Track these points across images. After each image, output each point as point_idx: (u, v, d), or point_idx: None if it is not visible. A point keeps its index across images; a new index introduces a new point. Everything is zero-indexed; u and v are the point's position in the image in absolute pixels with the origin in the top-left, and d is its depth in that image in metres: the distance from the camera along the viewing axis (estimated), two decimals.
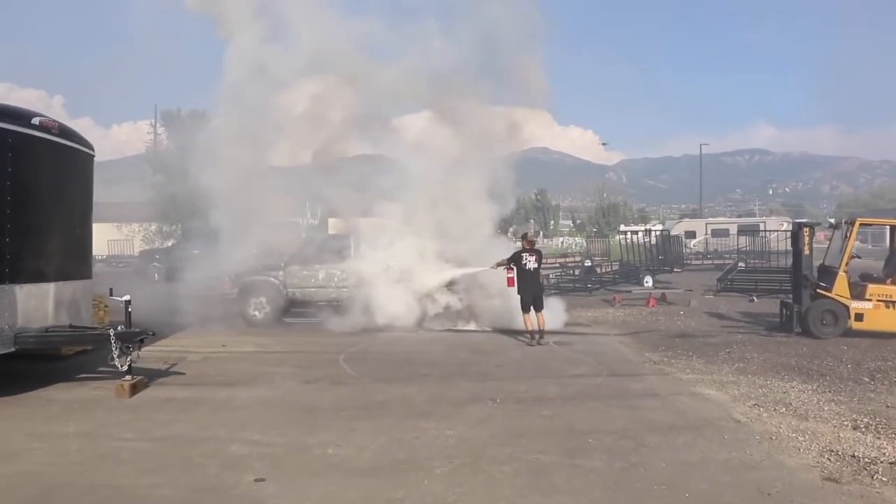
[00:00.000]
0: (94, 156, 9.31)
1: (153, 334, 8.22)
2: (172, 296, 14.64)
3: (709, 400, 7.82)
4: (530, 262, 12.10)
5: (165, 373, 9.04)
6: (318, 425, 6.67)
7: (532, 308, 11.99)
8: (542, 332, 11.95)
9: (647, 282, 24.49)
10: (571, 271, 26.23)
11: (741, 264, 28.53)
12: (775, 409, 7.34)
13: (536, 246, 12.62)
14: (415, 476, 5.28)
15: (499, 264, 12.33)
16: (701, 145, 67.38)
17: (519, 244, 12.81)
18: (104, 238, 50.64)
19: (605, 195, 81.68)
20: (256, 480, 5.20)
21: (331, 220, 22.08)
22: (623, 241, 29.42)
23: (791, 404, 7.57)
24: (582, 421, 6.85)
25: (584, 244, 45.76)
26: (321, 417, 6.96)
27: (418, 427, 6.56)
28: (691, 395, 8.02)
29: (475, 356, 10.69)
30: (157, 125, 47.76)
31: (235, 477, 5.26)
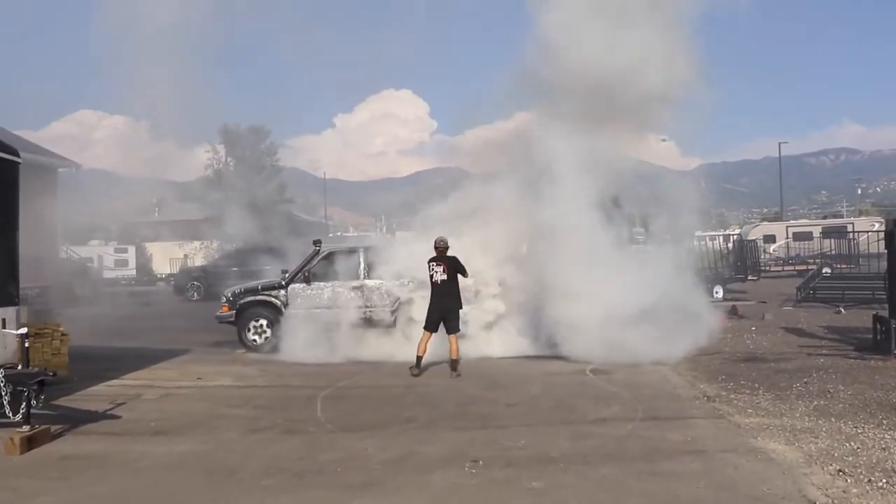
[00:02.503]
0: (18, 163, 7.95)
1: (53, 375, 6.70)
2: (188, 317, 13.37)
3: (773, 461, 5.68)
4: (437, 273, 10.10)
5: (98, 416, 7.54)
6: (220, 501, 4.96)
7: (442, 328, 10.08)
8: (453, 363, 9.95)
9: (717, 292, 21.92)
10: None
11: (826, 270, 25.45)
12: (870, 480, 5.14)
13: (451, 252, 10.31)
14: None
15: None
16: (780, 144, 62.27)
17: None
18: (166, 257, 51.34)
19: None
20: None
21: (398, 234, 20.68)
22: (693, 248, 26.73)
23: (894, 470, 5.37)
24: (580, 502, 4.87)
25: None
26: (233, 488, 5.24)
27: None
28: (749, 454, 5.88)
29: (484, 392, 8.78)
30: (217, 143, 48.09)
31: None
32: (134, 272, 47.99)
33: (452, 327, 10.06)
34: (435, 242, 10.32)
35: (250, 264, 24.65)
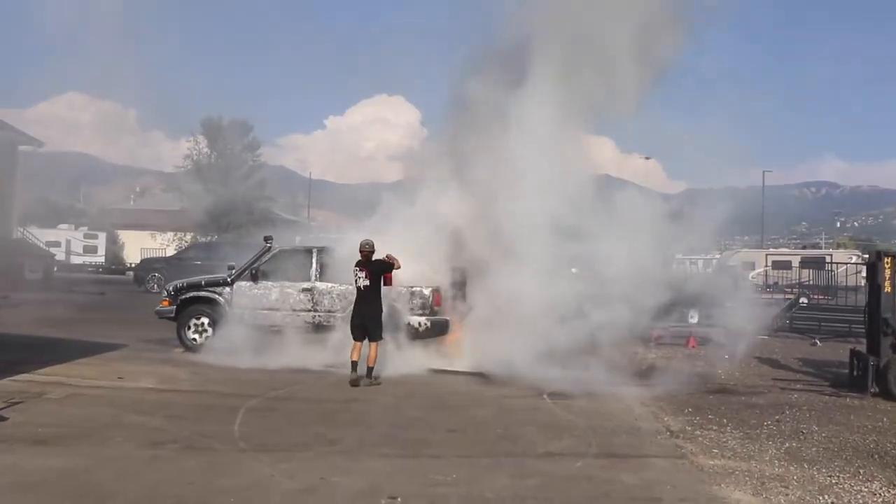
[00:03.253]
0: None
1: None
2: (142, 308, 12.40)
3: None
4: (360, 279, 9.69)
5: None
6: None
7: (363, 337, 9.62)
8: (368, 370, 9.49)
9: (692, 317, 21.27)
10: None
11: (803, 300, 24.95)
12: None
13: (376, 256, 9.81)
14: None
15: None
16: (764, 172, 62.42)
17: None
18: (138, 245, 50.02)
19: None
20: None
21: None
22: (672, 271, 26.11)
23: None
24: None
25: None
26: None
27: None
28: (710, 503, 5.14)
29: (428, 413, 7.96)
30: (197, 134, 47.05)
31: None
32: (102, 259, 46.60)
33: (373, 335, 9.61)
34: (360, 245, 9.80)
35: (214, 258, 23.72)
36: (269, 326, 11.51)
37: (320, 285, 11.39)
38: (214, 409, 7.56)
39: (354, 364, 9.48)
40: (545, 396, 9.11)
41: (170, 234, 48.41)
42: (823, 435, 7.42)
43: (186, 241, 42.57)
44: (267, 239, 12.02)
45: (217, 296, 11.64)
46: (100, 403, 7.58)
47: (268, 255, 11.77)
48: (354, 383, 9.29)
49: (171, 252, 37.68)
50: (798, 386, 10.63)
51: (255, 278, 11.55)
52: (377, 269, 9.71)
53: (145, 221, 54.90)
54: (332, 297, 11.31)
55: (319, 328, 11.41)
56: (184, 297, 11.77)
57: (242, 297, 11.55)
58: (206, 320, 11.63)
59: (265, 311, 11.48)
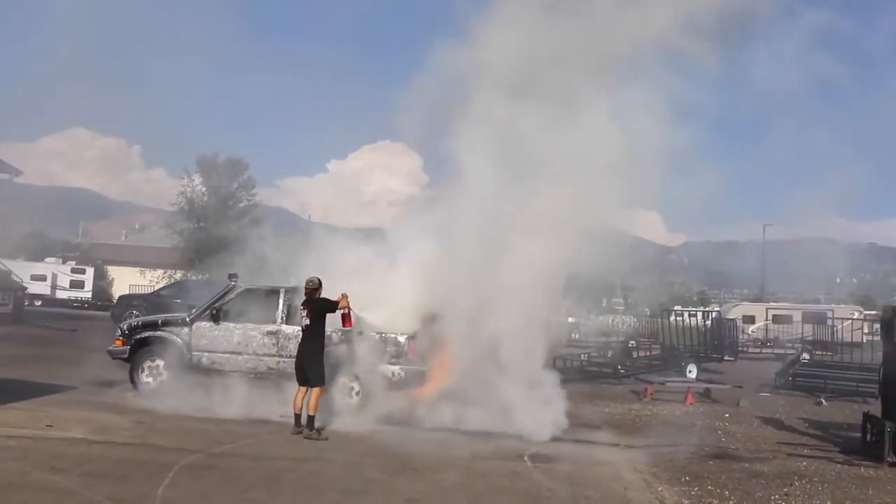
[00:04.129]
0: None
1: None
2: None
3: None
4: (303, 318, 9.01)
5: None
6: None
7: (304, 382, 8.86)
8: (309, 420, 8.65)
9: (690, 371, 20.24)
10: (604, 353, 21.99)
11: (805, 356, 24.02)
12: None
13: (320, 295, 9.04)
14: None
15: None
16: (765, 226, 62.09)
17: None
18: (127, 282, 49.05)
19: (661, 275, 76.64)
20: None
21: None
22: (669, 323, 25.04)
23: None
24: None
25: (633, 323, 41.13)
26: None
27: None
28: None
29: (388, 476, 6.95)
30: (192, 172, 46.49)
31: None
32: (89, 295, 45.64)
33: (312, 379, 8.75)
34: (305, 283, 9.08)
35: (194, 297, 22.80)
36: (228, 371, 10.59)
37: (286, 328, 10.47)
38: (143, 467, 6.59)
39: (297, 417, 8.71)
40: (526, 458, 8.14)
41: (159, 272, 47.52)
42: None
43: (176, 279, 41.73)
44: (231, 276, 11.15)
45: (174, 336, 10.70)
46: (10, 458, 6.59)
47: (231, 294, 10.87)
48: (298, 433, 8.58)
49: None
50: (806, 451, 9.67)
51: (215, 318, 10.63)
52: (318, 308, 8.90)
53: (136, 258, 54.07)
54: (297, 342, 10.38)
55: (283, 375, 10.48)
56: (138, 336, 10.84)
57: (202, 338, 10.63)
58: (160, 363, 10.67)
59: (225, 355, 10.55)
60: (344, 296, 9.07)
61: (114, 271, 55.78)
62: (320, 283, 9.03)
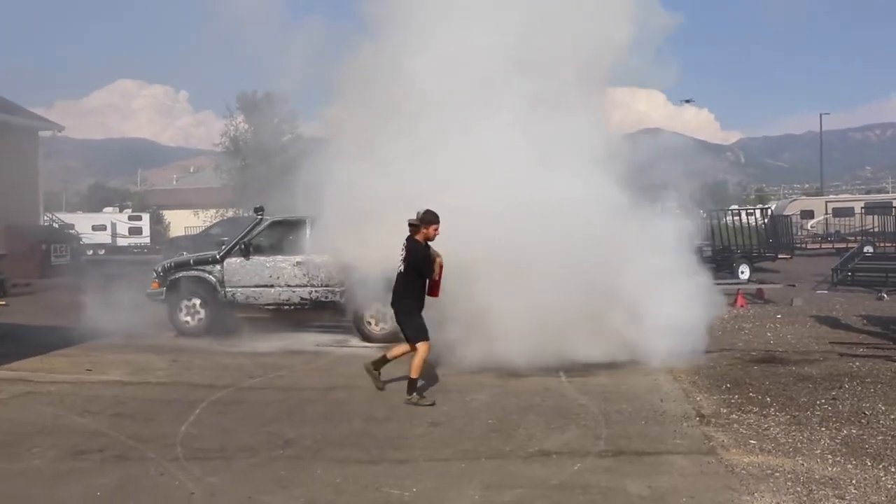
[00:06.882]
0: None
1: None
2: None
3: None
4: (400, 261, 7.06)
5: None
6: None
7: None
8: (409, 382, 6.88)
9: (742, 272, 19.62)
10: None
11: (868, 249, 22.95)
12: None
13: (423, 236, 6.99)
14: None
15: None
16: (821, 115, 57.92)
17: None
18: (182, 224, 50.32)
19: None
20: None
21: None
22: (723, 223, 24.11)
23: None
24: None
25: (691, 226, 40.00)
26: None
27: None
28: None
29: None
30: (235, 111, 46.51)
31: None
32: (148, 240, 46.94)
33: (405, 335, 7.08)
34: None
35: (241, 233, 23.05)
36: (263, 305, 10.65)
37: (315, 258, 10.38)
38: (172, 405, 6.66)
39: (378, 362, 7.31)
40: (561, 374, 7.93)
41: (212, 211, 48.42)
42: (892, 417, 6.08)
43: (228, 218, 42.49)
44: (257, 210, 11.07)
45: (207, 274, 10.76)
46: (47, 403, 6.76)
47: (259, 228, 10.81)
48: (380, 388, 7.24)
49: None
50: (861, 351, 9.17)
51: (245, 253, 10.62)
52: (413, 258, 6.91)
53: (188, 200, 55.29)
54: (328, 271, 10.29)
55: (318, 305, 10.49)
56: (173, 277, 10.94)
57: (233, 274, 10.65)
58: (197, 301, 10.78)
59: (258, 289, 10.57)
60: (440, 263, 7.07)
61: (169, 215, 57.35)
62: (423, 221, 6.89)
